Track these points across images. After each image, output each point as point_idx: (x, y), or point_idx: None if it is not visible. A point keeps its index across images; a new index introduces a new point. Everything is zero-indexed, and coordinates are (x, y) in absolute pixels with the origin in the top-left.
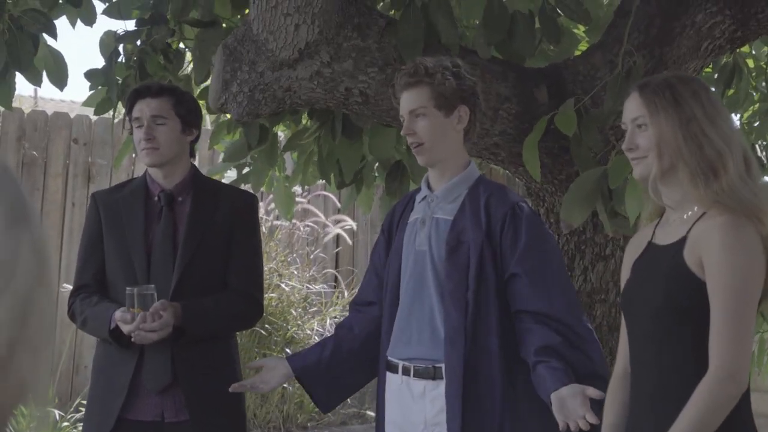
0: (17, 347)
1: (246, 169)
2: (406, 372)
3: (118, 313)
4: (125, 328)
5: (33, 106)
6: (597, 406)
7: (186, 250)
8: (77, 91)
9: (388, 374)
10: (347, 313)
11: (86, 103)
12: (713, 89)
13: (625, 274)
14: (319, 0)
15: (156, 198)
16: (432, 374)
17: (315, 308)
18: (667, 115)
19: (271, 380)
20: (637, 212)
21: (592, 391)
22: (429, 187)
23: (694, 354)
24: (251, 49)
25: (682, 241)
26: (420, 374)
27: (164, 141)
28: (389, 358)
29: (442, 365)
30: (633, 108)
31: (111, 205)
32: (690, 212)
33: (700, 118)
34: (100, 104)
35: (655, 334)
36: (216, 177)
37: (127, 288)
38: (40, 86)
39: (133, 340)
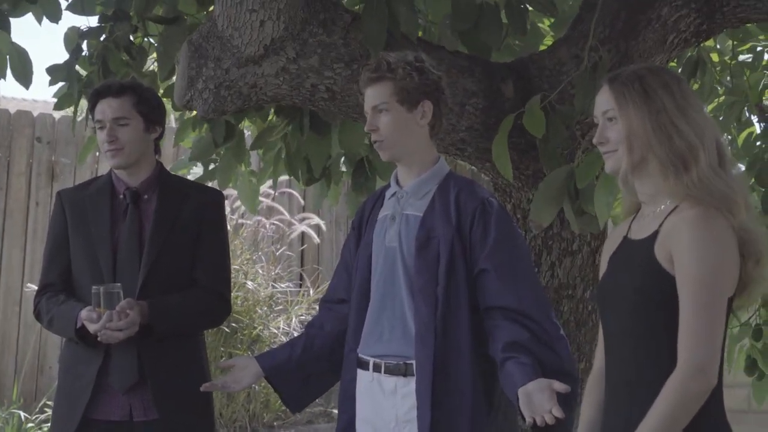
0: None
1: (212, 166)
2: (377, 369)
3: (84, 312)
4: (91, 328)
5: None
6: (564, 400)
7: (152, 248)
8: (40, 89)
9: (359, 371)
10: (313, 312)
11: (57, 107)
12: None
13: (602, 269)
14: None
15: (122, 196)
16: (403, 371)
17: (280, 307)
18: (636, 107)
19: (243, 379)
20: (606, 211)
21: (558, 385)
22: (398, 183)
23: (668, 349)
24: (216, 45)
25: (654, 236)
26: (391, 371)
27: (128, 141)
28: (360, 355)
29: (414, 362)
30: (603, 101)
31: (76, 203)
32: (663, 206)
33: (670, 110)
34: (61, 100)
35: (629, 329)
36: (182, 173)
37: (93, 287)
38: (4, 79)
39: (99, 339)
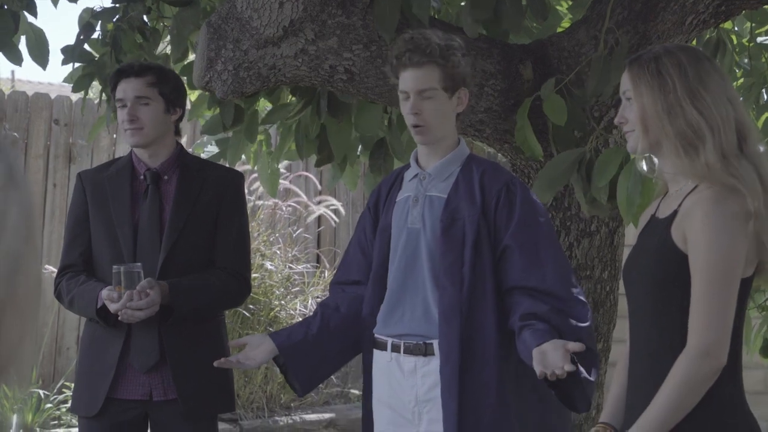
0: (5, 308)
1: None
2: (395, 349)
3: (105, 292)
4: (112, 307)
5: (11, 88)
6: (579, 359)
7: (172, 229)
8: (57, 72)
9: (375, 352)
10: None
11: (67, 79)
12: None
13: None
14: None
15: (142, 177)
16: (423, 350)
17: (297, 288)
18: (649, 87)
19: (257, 356)
20: (628, 198)
21: (573, 345)
22: (419, 164)
23: (681, 327)
24: (235, 27)
25: (673, 215)
26: (411, 351)
27: (148, 121)
28: (377, 335)
29: (434, 341)
30: (623, 81)
31: (97, 184)
32: (684, 185)
33: (679, 91)
34: (78, 81)
35: (646, 305)
36: (197, 152)
37: (114, 266)
38: (20, 66)
39: (120, 318)
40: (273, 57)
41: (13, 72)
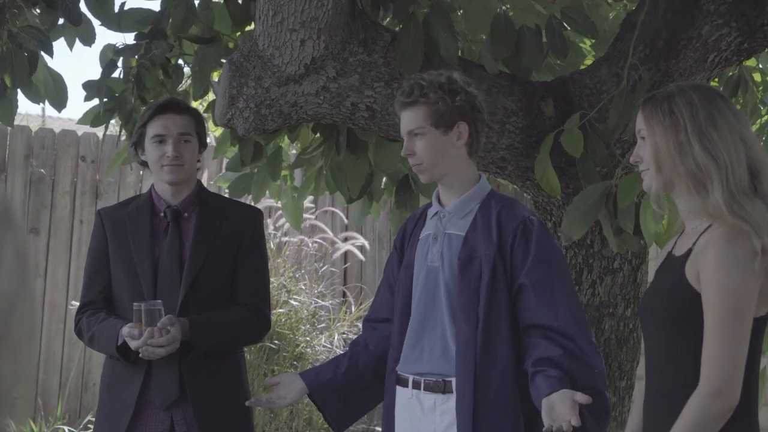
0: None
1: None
2: (416, 386)
3: (126, 329)
4: (133, 344)
5: (41, 124)
6: (592, 415)
7: (193, 266)
8: (83, 108)
9: (398, 388)
10: (356, 329)
11: (81, 121)
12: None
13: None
14: (324, 15)
15: (162, 214)
16: (442, 388)
17: (323, 324)
18: (661, 127)
19: (288, 395)
20: (652, 229)
21: (581, 397)
22: (440, 202)
23: (693, 364)
24: (257, 64)
25: (687, 253)
26: (430, 388)
27: (188, 159)
28: (399, 372)
29: (452, 379)
30: (638, 120)
31: (117, 221)
32: (699, 223)
33: (689, 130)
34: (97, 117)
35: (660, 344)
36: (220, 185)
37: (135, 304)
38: (39, 104)
39: (140, 355)
40: (294, 94)
41: (43, 108)
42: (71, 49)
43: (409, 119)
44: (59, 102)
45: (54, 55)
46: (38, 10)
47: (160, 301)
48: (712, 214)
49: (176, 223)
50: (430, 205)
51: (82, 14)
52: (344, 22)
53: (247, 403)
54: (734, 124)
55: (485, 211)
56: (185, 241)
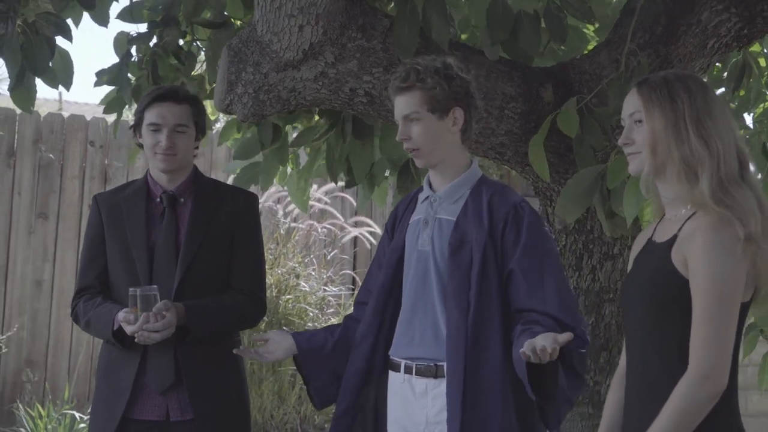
0: None
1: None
2: (408, 371)
3: (121, 314)
4: (128, 329)
5: (58, 109)
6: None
7: (188, 251)
8: (92, 93)
9: (390, 373)
10: None
11: (103, 101)
12: (723, 89)
13: (629, 269)
14: (322, 1)
15: (158, 199)
16: (434, 373)
17: (332, 309)
18: (662, 111)
19: (276, 351)
20: (634, 213)
21: (562, 336)
22: (431, 187)
23: (680, 351)
24: (255, 50)
25: (672, 240)
26: (422, 373)
27: (183, 148)
28: (391, 357)
29: (444, 364)
30: (631, 103)
31: (113, 206)
32: (683, 210)
33: (687, 117)
34: (111, 104)
35: (644, 329)
36: (232, 174)
37: (130, 289)
38: (57, 89)
39: (136, 340)
40: (293, 80)
41: (60, 93)
42: (77, 26)
43: (404, 104)
44: (66, 80)
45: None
46: None
47: (155, 286)
48: (698, 202)
49: (172, 209)
50: (421, 189)
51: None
52: (342, 7)
53: (234, 351)
54: (726, 113)
55: (476, 196)
56: (181, 226)
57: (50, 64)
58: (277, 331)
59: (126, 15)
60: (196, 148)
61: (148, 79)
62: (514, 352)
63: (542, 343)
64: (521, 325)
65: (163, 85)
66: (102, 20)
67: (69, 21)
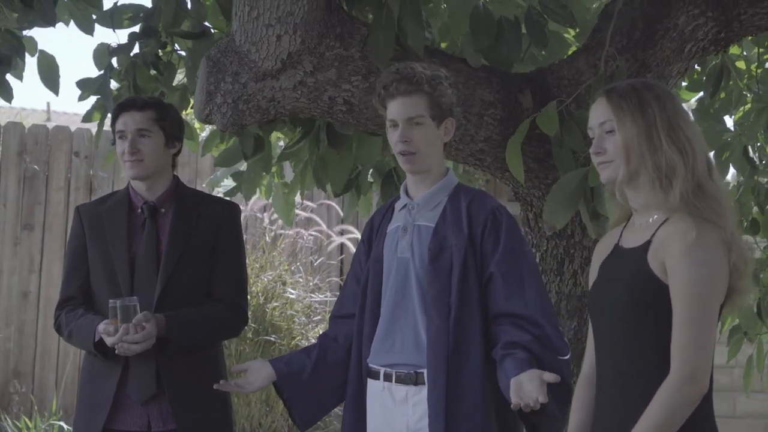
0: None
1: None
2: (387, 378)
3: (102, 326)
4: (108, 341)
5: (45, 119)
6: (556, 399)
7: (169, 261)
8: (76, 104)
9: (370, 381)
10: None
11: (86, 118)
12: (701, 93)
13: (592, 275)
14: (300, 11)
15: (139, 210)
16: (414, 380)
17: (319, 317)
18: (633, 119)
19: (256, 381)
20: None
21: (549, 375)
22: (408, 194)
23: (656, 355)
24: (234, 60)
25: (647, 245)
26: (402, 380)
27: (148, 154)
28: (370, 364)
29: (424, 371)
30: (600, 112)
31: (94, 217)
32: (655, 216)
33: (659, 124)
34: (89, 112)
35: (619, 334)
36: (216, 188)
37: (110, 300)
38: (10, 102)
39: (116, 352)
40: (272, 89)
41: (48, 104)
42: (67, 25)
43: (410, 106)
44: (53, 85)
45: (26, 58)
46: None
47: (135, 297)
48: (674, 207)
49: (153, 219)
50: (397, 198)
51: (56, 15)
52: (320, 16)
53: (215, 386)
54: (692, 120)
55: (455, 202)
56: (162, 237)
57: None
58: (255, 360)
59: (106, 20)
60: (175, 155)
61: (129, 90)
62: (501, 381)
63: (531, 394)
64: (501, 348)
65: (127, 97)
66: (87, 28)
67: (67, 29)
